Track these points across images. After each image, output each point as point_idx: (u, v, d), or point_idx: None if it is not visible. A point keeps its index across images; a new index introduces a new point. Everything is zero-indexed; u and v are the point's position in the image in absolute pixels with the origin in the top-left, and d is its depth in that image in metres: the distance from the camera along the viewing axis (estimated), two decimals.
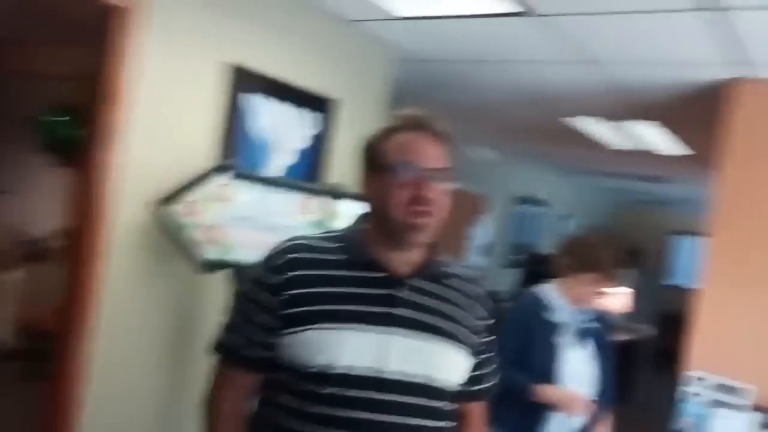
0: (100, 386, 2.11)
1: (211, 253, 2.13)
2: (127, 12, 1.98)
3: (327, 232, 1.27)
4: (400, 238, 1.13)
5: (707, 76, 2.65)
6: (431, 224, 1.12)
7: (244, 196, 2.18)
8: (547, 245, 8.20)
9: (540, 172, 7.89)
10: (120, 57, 1.99)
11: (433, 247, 1.19)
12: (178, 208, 2.05)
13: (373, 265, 1.14)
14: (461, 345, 1.17)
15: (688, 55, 2.45)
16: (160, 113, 2.15)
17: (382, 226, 1.14)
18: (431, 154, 1.13)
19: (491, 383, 1.30)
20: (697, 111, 3.24)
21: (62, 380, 2.06)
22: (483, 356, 1.26)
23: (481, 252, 7.07)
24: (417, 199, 1.10)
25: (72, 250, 2.15)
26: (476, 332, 1.22)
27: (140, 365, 2.24)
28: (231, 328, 1.18)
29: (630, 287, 6.02)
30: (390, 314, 1.11)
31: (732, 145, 2.51)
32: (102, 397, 2.11)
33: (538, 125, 4.51)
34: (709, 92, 2.82)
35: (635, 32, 2.30)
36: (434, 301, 1.16)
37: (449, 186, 1.14)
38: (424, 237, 1.12)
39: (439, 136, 1.15)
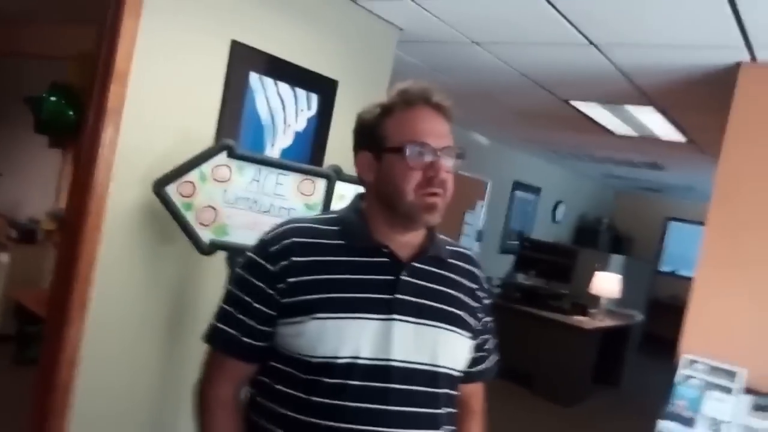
0: (91, 370, 2.08)
1: (208, 235, 2.12)
2: None
3: (324, 215, 1.23)
4: (412, 220, 1.10)
5: (708, 60, 2.65)
6: (443, 205, 1.09)
7: (242, 176, 2.16)
8: (539, 231, 8.25)
9: (534, 158, 7.90)
10: (118, 35, 1.96)
11: (432, 228, 1.17)
12: (175, 189, 2.04)
13: (374, 249, 1.11)
14: (463, 329, 1.16)
15: (689, 38, 2.45)
16: (159, 92, 2.12)
17: (390, 208, 1.11)
18: (439, 132, 1.09)
19: (490, 365, 1.30)
20: (697, 96, 3.24)
21: (51, 364, 2.02)
22: (482, 337, 1.25)
23: (475, 237, 7.10)
24: (430, 181, 1.07)
25: (66, 232, 2.12)
26: (476, 313, 1.21)
27: (133, 350, 2.21)
28: (225, 316, 1.13)
29: (620, 273, 6.08)
30: (392, 300, 1.08)
31: (732, 130, 2.51)
32: (94, 382, 2.09)
33: (538, 109, 4.50)
34: (710, 77, 2.81)
35: (637, 15, 2.29)
36: (436, 284, 1.14)
37: (457, 164, 1.11)
38: (437, 218, 1.10)
39: (442, 110, 1.11)
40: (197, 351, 1.21)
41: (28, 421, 2.08)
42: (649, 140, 4.89)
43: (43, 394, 2.03)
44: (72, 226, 2.06)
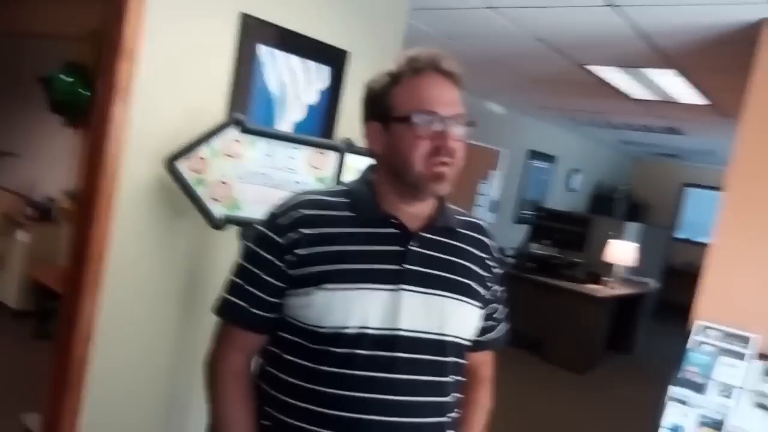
0: (106, 345, 2.11)
1: (220, 210, 2.13)
2: None
3: (333, 187, 1.23)
4: (421, 190, 1.10)
5: (730, 17, 2.56)
6: (453, 174, 1.08)
7: (253, 151, 2.16)
8: (555, 201, 8.18)
9: (550, 126, 7.79)
10: (124, 11, 1.94)
11: (442, 198, 1.16)
12: (187, 165, 2.05)
13: (383, 220, 1.11)
14: (473, 298, 1.16)
15: None
16: (168, 68, 2.11)
17: (399, 179, 1.10)
18: (448, 100, 1.07)
19: (499, 334, 1.30)
20: (719, 56, 3.15)
21: (67, 339, 2.06)
22: (492, 306, 1.25)
23: (490, 208, 7.07)
24: (439, 151, 1.05)
25: (80, 209, 2.14)
26: (486, 283, 1.21)
27: (148, 324, 2.24)
28: (235, 288, 1.15)
29: (635, 241, 6.03)
30: (401, 271, 1.08)
31: (754, 90, 2.44)
32: (109, 355, 2.13)
33: (554, 75, 4.42)
34: (732, 35, 2.73)
35: None
36: (445, 254, 1.14)
37: (466, 132, 1.10)
38: (446, 188, 1.09)
39: (452, 77, 1.09)
40: (210, 324, 1.23)
41: (47, 393, 2.13)
42: (668, 104, 4.79)
43: (61, 368, 2.07)
44: (84, 204, 2.07)
